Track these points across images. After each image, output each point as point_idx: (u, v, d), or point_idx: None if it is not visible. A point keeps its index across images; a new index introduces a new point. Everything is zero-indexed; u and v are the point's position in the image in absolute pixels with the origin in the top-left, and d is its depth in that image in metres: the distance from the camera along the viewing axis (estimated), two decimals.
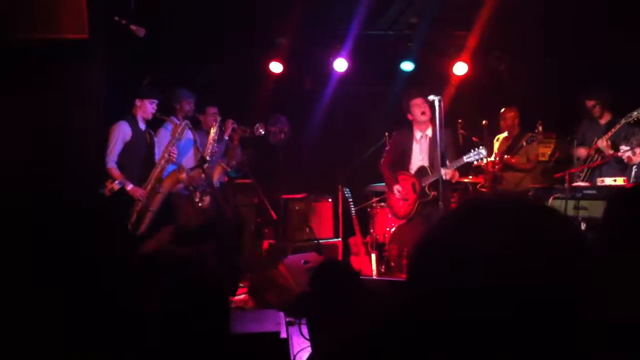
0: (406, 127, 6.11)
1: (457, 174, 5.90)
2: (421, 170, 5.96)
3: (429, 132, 5.95)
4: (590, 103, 6.22)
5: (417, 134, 6.02)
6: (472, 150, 5.67)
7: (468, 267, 0.74)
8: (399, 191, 6.04)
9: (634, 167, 5.79)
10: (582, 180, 6.05)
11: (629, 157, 5.77)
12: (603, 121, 6.23)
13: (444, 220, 0.85)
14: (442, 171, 5.56)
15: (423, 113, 5.86)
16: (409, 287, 0.83)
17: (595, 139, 6.11)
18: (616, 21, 6.26)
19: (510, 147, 6.88)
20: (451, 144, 6.04)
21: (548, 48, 7.09)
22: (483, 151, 5.62)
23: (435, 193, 5.69)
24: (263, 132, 6.71)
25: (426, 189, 5.85)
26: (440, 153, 5.58)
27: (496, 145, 7.05)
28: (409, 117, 6.00)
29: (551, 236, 0.77)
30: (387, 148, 6.38)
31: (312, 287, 2.81)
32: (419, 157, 6.02)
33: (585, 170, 6.16)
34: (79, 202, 4.81)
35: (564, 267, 0.74)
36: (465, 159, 5.68)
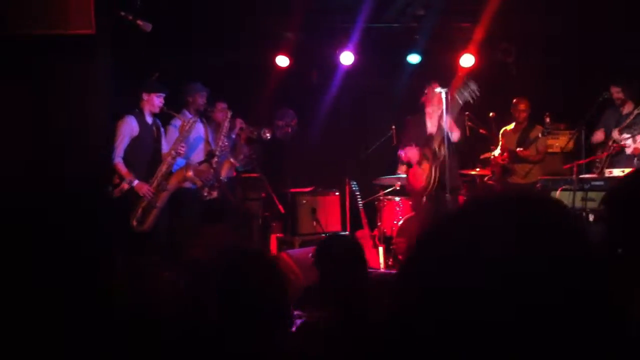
0: (417, 114, 6.25)
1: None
2: (427, 138, 6.06)
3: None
4: (615, 89, 6.17)
5: (428, 123, 6.16)
6: (460, 87, 5.71)
7: (467, 267, 0.74)
8: (410, 155, 6.11)
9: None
10: (599, 172, 5.99)
11: (636, 149, 5.74)
12: (625, 111, 6.18)
13: (445, 219, 0.84)
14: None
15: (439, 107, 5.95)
16: (404, 284, 0.82)
17: (613, 128, 6.10)
18: (627, 14, 6.21)
19: (520, 139, 6.86)
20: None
21: (556, 40, 7.05)
22: (472, 85, 5.64)
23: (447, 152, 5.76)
24: (269, 137, 6.75)
25: (437, 150, 5.90)
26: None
27: (502, 138, 7.05)
28: (424, 100, 6.08)
29: (557, 237, 0.76)
30: (404, 135, 6.46)
31: (317, 262, 2.85)
32: (429, 129, 6.17)
33: (602, 161, 6.11)
34: (86, 200, 4.82)
35: (571, 270, 0.73)
36: (457, 95, 5.70)
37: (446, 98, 5.69)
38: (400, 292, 0.81)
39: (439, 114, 5.98)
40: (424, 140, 6.07)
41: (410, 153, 6.13)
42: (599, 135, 6.20)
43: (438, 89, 5.79)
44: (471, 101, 5.85)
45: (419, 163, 6.11)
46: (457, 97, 5.70)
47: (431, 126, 6.11)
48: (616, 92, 6.17)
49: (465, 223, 0.80)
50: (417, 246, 0.82)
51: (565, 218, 0.78)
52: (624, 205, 1.68)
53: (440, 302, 0.74)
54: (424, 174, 6.07)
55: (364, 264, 2.89)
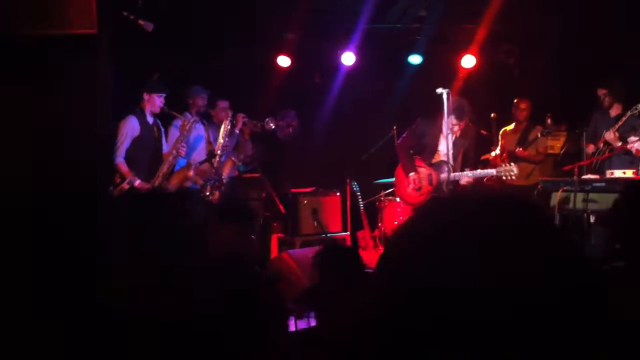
0: (433, 118, 5.97)
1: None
2: (441, 165, 5.91)
3: (456, 129, 5.93)
4: (601, 92, 6.19)
5: (441, 142, 5.97)
6: (504, 165, 5.72)
7: (445, 267, 0.73)
8: (414, 180, 5.99)
9: None
10: (591, 172, 6.01)
11: (637, 150, 5.74)
12: (613, 113, 6.20)
13: (421, 217, 0.84)
14: (464, 176, 5.72)
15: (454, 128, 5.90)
16: (380, 283, 0.81)
17: (604, 131, 6.10)
18: (630, 13, 6.21)
19: (520, 139, 6.86)
20: (474, 146, 6.12)
21: (558, 41, 7.06)
22: (515, 169, 5.65)
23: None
24: (273, 127, 6.75)
25: (444, 185, 5.83)
26: (464, 151, 5.84)
27: (502, 138, 7.05)
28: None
29: (533, 237, 0.76)
30: (408, 131, 6.23)
31: (318, 271, 2.86)
32: (444, 151, 5.92)
33: (595, 162, 6.14)
34: (87, 201, 4.82)
35: (546, 272, 0.73)
36: (496, 172, 5.72)
37: (447, 99, 5.62)
38: (376, 290, 0.81)
39: (454, 141, 5.89)
40: (437, 165, 5.95)
41: (418, 175, 5.99)
42: (590, 148, 6.22)
43: (439, 90, 5.69)
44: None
45: (419, 187, 5.99)
46: (496, 174, 5.75)
47: (444, 150, 5.86)
48: (602, 95, 6.19)
49: (431, 221, 0.80)
50: (389, 247, 0.83)
51: (538, 216, 0.79)
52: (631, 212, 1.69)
53: (417, 302, 0.74)
54: (419, 196, 6.00)
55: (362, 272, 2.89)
